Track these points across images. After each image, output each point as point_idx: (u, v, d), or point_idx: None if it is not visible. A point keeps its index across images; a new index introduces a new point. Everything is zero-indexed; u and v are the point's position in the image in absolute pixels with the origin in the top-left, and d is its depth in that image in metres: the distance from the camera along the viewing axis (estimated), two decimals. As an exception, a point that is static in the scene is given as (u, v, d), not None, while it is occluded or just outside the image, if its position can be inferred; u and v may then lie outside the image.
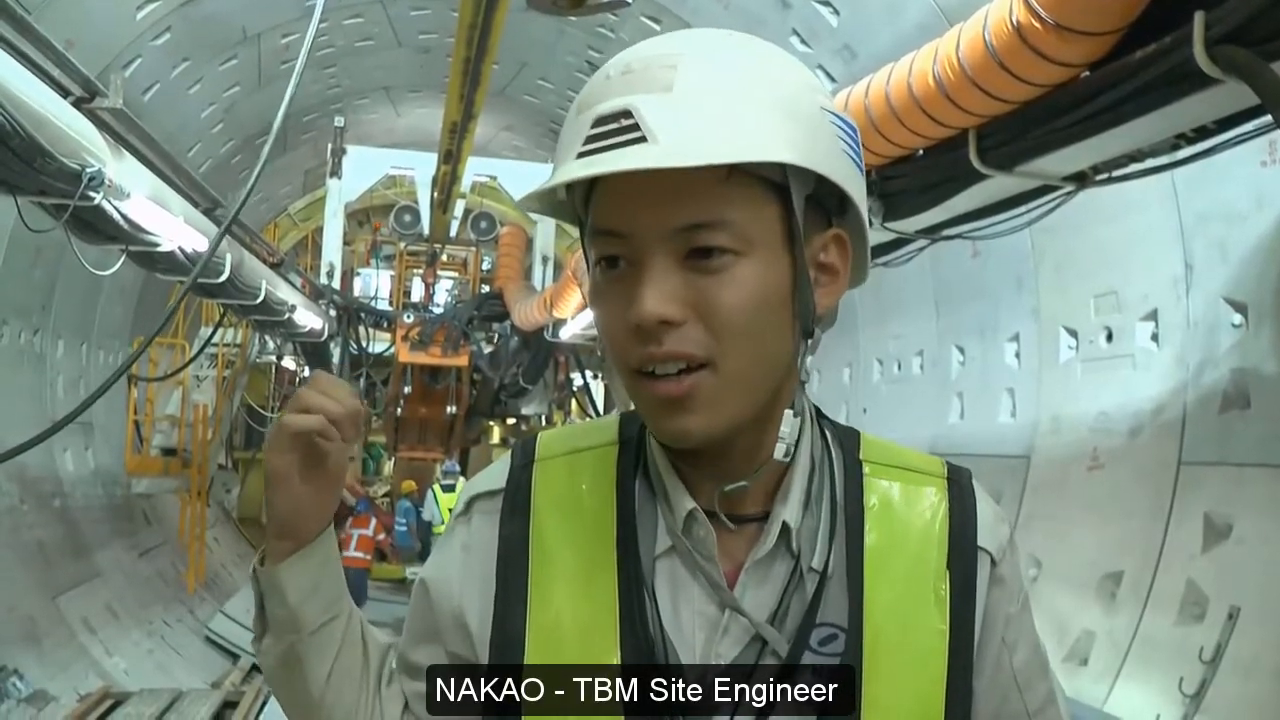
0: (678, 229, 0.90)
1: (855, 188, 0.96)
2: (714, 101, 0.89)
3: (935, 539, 1.02)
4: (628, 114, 0.88)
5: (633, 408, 1.02)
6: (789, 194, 0.94)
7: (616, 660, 0.96)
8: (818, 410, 1.06)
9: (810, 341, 0.98)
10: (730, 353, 0.91)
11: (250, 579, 1.05)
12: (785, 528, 0.99)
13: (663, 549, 1.00)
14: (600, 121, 0.90)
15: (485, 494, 1.07)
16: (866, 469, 1.05)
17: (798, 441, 1.01)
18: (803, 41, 6.83)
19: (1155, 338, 4.92)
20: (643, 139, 0.87)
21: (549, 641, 0.98)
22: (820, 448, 1.05)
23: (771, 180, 0.92)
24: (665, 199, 0.88)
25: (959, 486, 1.06)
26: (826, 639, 0.98)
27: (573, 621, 0.98)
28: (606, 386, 15.06)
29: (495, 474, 1.08)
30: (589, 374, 14.82)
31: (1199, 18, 2.61)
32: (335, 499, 1.04)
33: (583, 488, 1.04)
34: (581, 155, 0.90)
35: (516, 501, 1.04)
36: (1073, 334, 5.54)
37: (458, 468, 16.52)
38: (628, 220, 0.92)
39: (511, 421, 18.21)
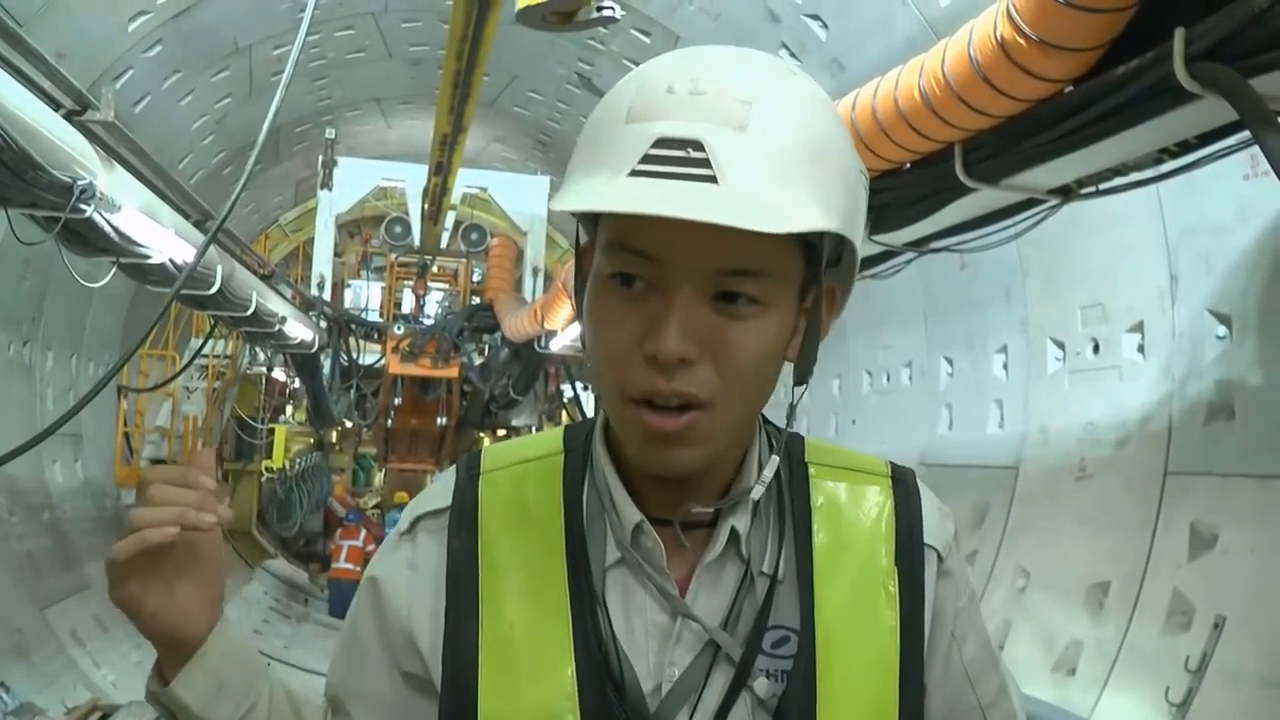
0: (715, 270, 0.88)
1: (860, 244, 0.97)
2: (785, 154, 0.86)
3: (882, 537, 1.03)
4: (698, 145, 0.84)
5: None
6: (816, 253, 0.94)
7: (571, 671, 0.95)
8: (762, 416, 1.06)
9: (803, 389, 0.99)
10: (732, 397, 0.91)
11: (148, 700, 0.99)
12: (734, 533, 1.00)
13: (612, 560, 1.00)
14: (664, 143, 0.85)
15: (430, 513, 1.05)
16: (812, 470, 1.06)
17: (747, 453, 1.03)
18: (792, 55, 6.87)
19: (1141, 349, 4.95)
20: (711, 178, 0.83)
21: (502, 654, 0.97)
22: (767, 451, 1.05)
23: (804, 238, 0.91)
24: (709, 237, 0.83)
25: (904, 485, 1.07)
26: (779, 641, 0.99)
27: (525, 634, 0.97)
28: (597, 398, 15.05)
29: (439, 492, 1.07)
30: (579, 385, 14.82)
31: (1179, 34, 2.64)
32: (218, 586, 0.97)
33: (530, 498, 1.03)
34: (637, 174, 0.85)
35: (463, 516, 1.03)
36: (1060, 345, 5.57)
37: (449, 479, 16.48)
38: (663, 247, 0.88)
39: (502, 433, 18.20)
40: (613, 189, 0.85)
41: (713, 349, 0.89)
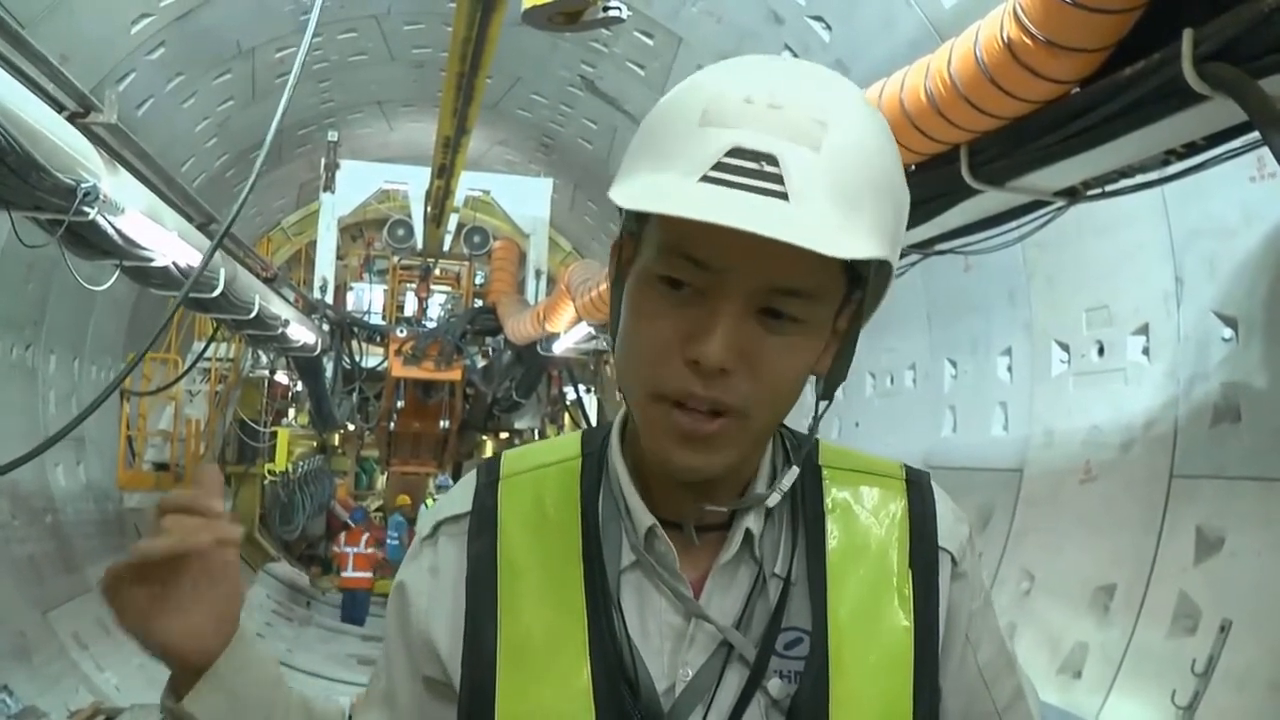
0: (767, 288, 0.89)
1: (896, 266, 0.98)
2: (852, 181, 0.87)
3: (896, 539, 1.04)
4: (773, 159, 0.84)
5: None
6: (858, 275, 0.95)
7: (586, 672, 0.97)
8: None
9: (826, 404, 1.00)
10: (764, 409, 0.93)
11: (161, 714, 0.99)
12: (748, 535, 1.01)
13: (627, 563, 1.01)
14: (739, 153, 0.85)
15: (451, 518, 1.07)
16: (826, 474, 1.07)
17: (762, 456, 1.04)
18: (795, 57, 6.86)
19: (1147, 351, 4.94)
20: (783, 194, 0.84)
21: (520, 656, 0.99)
22: (781, 455, 1.07)
23: (853, 262, 0.91)
24: (766, 253, 0.84)
25: (918, 487, 1.08)
26: (792, 642, 0.99)
27: (542, 636, 0.99)
28: (599, 400, 15.05)
29: (459, 497, 1.09)
30: (582, 388, 14.81)
31: (1187, 35, 2.63)
32: (231, 607, 0.96)
33: (548, 503, 1.05)
34: (709, 180, 0.85)
35: (483, 520, 1.05)
36: (1065, 348, 5.56)
37: (451, 482, 16.49)
38: (719, 256, 0.87)
39: (505, 435, 18.18)
40: (683, 192, 0.85)
41: (751, 361, 0.90)
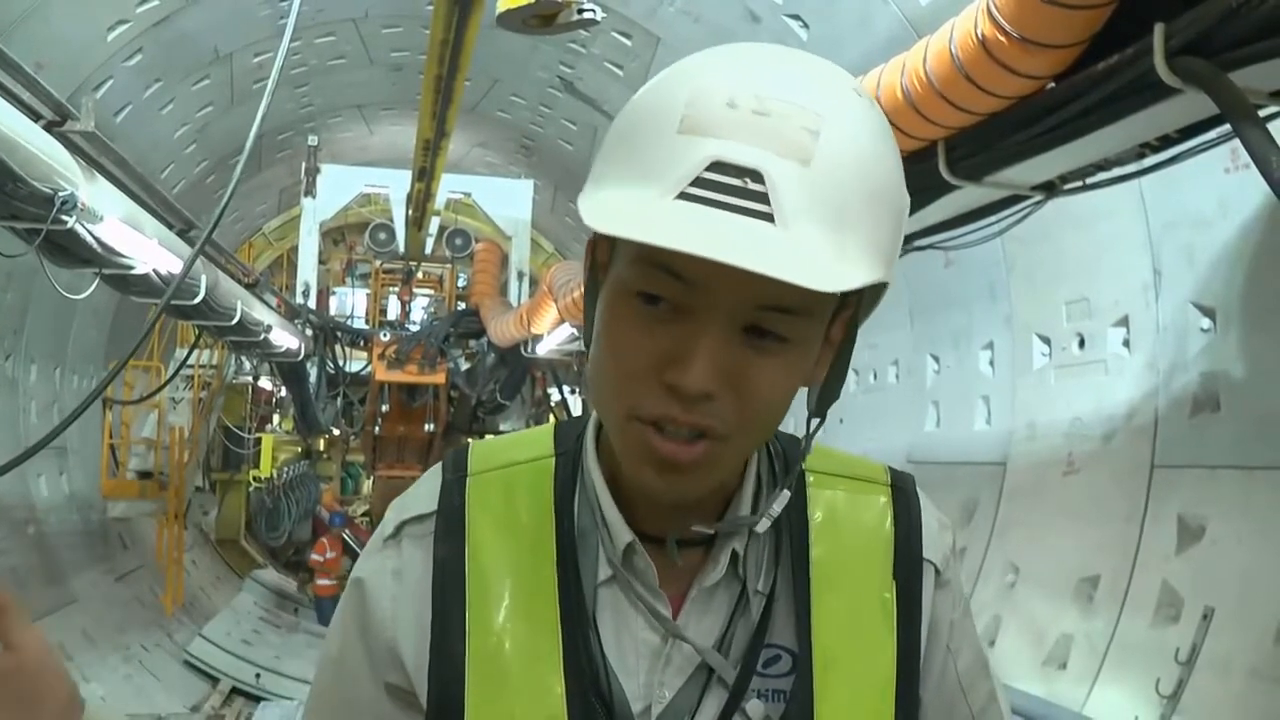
0: (752, 305, 0.82)
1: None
2: (845, 197, 0.80)
3: (881, 548, 1.00)
4: (757, 175, 0.77)
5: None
6: (855, 294, 0.88)
7: (560, 690, 0.92)
8: None
9: (819, 421, 0.95)
10: (749, 430, 0.88)
11: None
12: (733, 554, 0.96)
13: (604, 576, 0.96)
14: (720, 167, 0.78)
15: (415, 518, 1.00)
16: (810, 478, 1.02)
17: (746, 466, 0.99)
18: (774, 55, 6.87)
19: (1126, 343, 4.97)
20: (768, 216, 0.77)
21: (490, 668, 0.94)
22: (766, 464, 1.02)
23: None
24: (751, 273, 0.75)
25: (904, 494, 1.04)
26: (771, 660, 0.96)
27: (514, 648, 0.94)
28: (584, 401, 15.05)
29: (424, 495, 1.01)
30: (566, 389, 14.81)
31: (1159, 29, 2.65)
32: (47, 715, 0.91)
33: (519, 506, 0.98)
34: (687, 197, 0.78)
35: (450, 522, 0.98)
36: (1046, 341, 5.60)
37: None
38: (702, 273, 0.80)
39: (490, 437, 18.16)
40: (659, 214, 0.78)
41: (735, 382, 0.84)
